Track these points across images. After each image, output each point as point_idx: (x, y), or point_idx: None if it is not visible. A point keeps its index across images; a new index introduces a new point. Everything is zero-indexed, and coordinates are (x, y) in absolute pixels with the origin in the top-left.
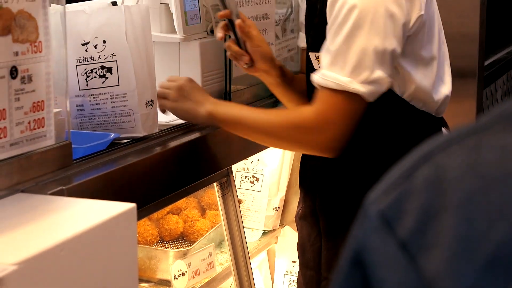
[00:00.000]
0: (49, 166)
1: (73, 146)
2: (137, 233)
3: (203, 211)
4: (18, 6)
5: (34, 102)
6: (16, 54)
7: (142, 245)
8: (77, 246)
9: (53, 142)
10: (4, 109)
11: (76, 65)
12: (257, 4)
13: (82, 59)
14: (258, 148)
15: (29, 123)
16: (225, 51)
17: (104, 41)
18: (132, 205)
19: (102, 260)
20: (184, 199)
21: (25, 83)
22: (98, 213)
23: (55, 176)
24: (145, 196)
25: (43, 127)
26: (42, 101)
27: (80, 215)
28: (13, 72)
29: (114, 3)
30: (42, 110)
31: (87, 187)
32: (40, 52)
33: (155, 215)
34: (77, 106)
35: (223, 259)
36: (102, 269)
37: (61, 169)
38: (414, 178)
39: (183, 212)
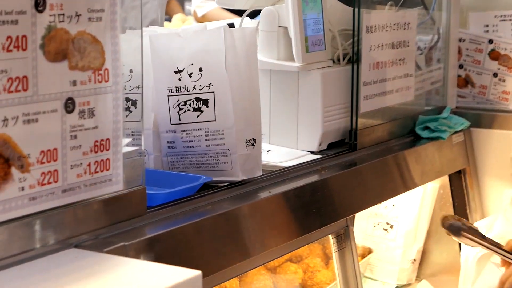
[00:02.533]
0: (114, 217)
1: (153, 191)
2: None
3: (327, 260)
4: (77, 27)
5: (96, 141)
6: (74, 83)
7: None
8: None
9: (121, 188)
10: (55, 149)
11: (168, 96)
12: (394, 30)
13: (175, 89)
14: (386, 195)
15: (88, 165)
16: (352, 81)
17: (201, 69)
18: (197, 273)
19: None
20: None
21: (84, 118)
22: (155, 280)
23: (120, 228)
24: (240, 251)
25: (107, 169)
26: (108, 139)
27: (133, 282)
28: (69, 105)
29: (232, 25)
30: (108, 150)
31: (159, 242)
32: (106, 81)
33: (271, 263)
34: (168, 142)
35: None
36: None
37: (130, 220)
38: None
39: (304, 260)
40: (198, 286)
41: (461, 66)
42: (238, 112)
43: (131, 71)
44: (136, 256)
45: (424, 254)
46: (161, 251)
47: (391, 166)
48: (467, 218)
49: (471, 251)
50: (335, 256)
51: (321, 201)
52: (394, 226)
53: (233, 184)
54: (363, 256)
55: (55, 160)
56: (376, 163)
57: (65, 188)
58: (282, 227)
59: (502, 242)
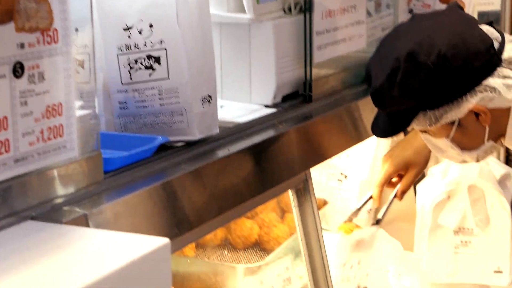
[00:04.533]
0: (70, 185)
1: (108, 155)
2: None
3: (282, 214)
4: None
5: (48, 106)
6: (21, 46)
7: (207, 260)
8: None
9: (76, 154)
10: (5, 117)
11: (118, 55)
12: None
13: (125, 47)
14: (344, 146)
15: (41, 132)
16: (305, 31)
17: (151, 25)
18: (165, 241)
19: None
20: None
21: (34, 83)
22: (122, 251)
23: (78, 197)
24: (200, 213)
25: (61, 136)
26: (60, 103)
27: (99, 255)
28: (17, 69)
29: None
30: (60, 115)
31: (120, 210)
32: (56, 42)
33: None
34: (119, 103)
35: (305, 271)
36: None
37: (87, 187)
38: None
39: (258, 215)
40: (166, 254)
41: (410, 11)
42: (192, 68)
43: (76, 29)
44: (98, 226)
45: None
46: (124, 219)
47: (347, 116)
48: None
49: (427, 198)
50: (295, 211)
51: (280, 156)
52: (348, 176)
53: (190, 144)
54: (318, 208)
55: (5, 129)
56: (332, 114)
57: (17, 158)
58: (243, 185)
59: (457, 187)
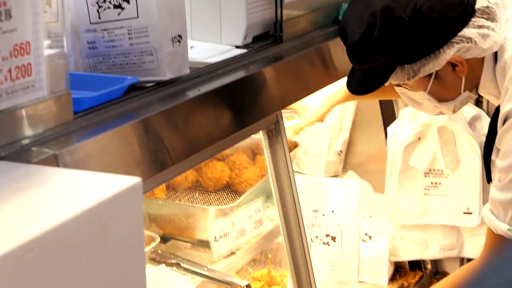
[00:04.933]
0: (40, 125)
1: (78, 96)
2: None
3: (253, 156)
4: None
5: (16, 44)
6: None
7: (179, 202)
8: (64, 235)
9: (45, 94)
10: None
11: None
12: None
13: None
14: (315, 87)
15: (9, 71)
16: None
17: None
18: (136, 180)
19: (99, 250)
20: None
21: (1, 21)
22: (93, 190)
23: (47, 137)
24: (171, 154)
25: (29, 75)
26: (28, 42)
27: (69, 194)
28: None
29: None
30: (28, 53)
31: (90, 150)
32: None
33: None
34: (88, 43)
35: (276, 213)
36: (100, 260)
37: (56, 128)
38: None
39: (229, 158)
40: (138, 193)
41: None
42: (162, 7)
43: None
44: (68, 166)
45: (350, 145)
46: (94, 159)
47: (318, 57)
48: (392, 107)
49: (397, 140)
50: (266, 152)
51: (252, 97)
52: None
53: (160, 84)
54: (289, 151)
55: None
56: (303, 55)
57: None
58: (214, 125)
59: (428, 129)
